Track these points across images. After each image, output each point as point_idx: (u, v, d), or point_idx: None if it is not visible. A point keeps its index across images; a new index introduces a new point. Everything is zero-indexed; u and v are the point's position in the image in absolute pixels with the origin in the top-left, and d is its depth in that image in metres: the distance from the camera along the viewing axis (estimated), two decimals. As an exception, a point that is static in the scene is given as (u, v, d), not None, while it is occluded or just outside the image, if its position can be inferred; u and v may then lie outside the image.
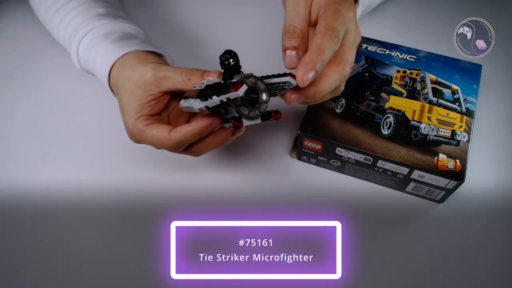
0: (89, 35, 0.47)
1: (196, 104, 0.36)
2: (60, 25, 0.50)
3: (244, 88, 0.35)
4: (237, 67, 0.37)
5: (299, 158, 0.52)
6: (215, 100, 0.35)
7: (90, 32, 0.47)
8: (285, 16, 0.39)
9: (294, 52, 0.37)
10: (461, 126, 0.46)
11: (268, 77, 0.37)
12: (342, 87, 0.41)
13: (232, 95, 0.35)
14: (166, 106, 0.44)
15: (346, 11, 0.38)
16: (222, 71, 0.37)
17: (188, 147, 0.41)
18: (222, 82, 0.37)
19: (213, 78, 0.39)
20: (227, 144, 0.42)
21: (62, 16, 0.50)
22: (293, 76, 0.36)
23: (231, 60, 0.36)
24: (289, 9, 0.39)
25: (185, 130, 0.39)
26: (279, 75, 0.37)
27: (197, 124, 0.38)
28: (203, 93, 0.37)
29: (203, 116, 0.39)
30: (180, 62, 0.47)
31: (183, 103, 0.39)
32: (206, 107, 0.36)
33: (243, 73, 0.37)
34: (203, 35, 0.62)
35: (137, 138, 0.42)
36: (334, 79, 0.38)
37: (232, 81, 0.36)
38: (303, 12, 0.38)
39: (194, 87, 0.40)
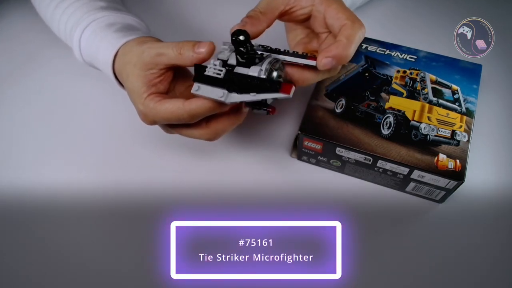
0: (91, 27, 0.47)
1: (229, 98, 0.36)
2: (61, 20, 0.50)
3: (293, 89, 0.35)
4: (250, 45, 0.37)
5: (299, 158, 0.52)
6: (256, 97, 0.35)
7: (91, 23, 0.47)
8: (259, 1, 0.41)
9: (245, 20, 0.39)
10: (461, 126, 0.46)
11: (292, 54, 0.38)
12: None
13: (282, 96, 0.35)
14: (171, 84, 0.43)
15: (344, 4, 0.40)
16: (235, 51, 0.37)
17: (206, 121, 0.41)
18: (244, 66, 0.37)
19: (204, 50, 0.38)
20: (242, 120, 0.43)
21: (62, 11, 0.50)
22: (314, 58, 0.37)
23: (242, 37, 0.36)
24: None
25: (201, 102, 0.38)
26: (301, 56, 0.38)
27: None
28: (231, 85, 0.36)
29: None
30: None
31: (202, 91, 0.37)
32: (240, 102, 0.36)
33: (256, 51, 0.37)
34: (207, 29, 0.62)
35: (150, 118, 0.41)
36: (358, 40, 0.38)
37: (273, 79, 0.37)
38: (273, 2, 0.40)
39: (206, 71, 0.38)
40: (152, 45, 0.41)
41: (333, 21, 0.39)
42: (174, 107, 0.39)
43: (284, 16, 0.41)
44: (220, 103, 0.38)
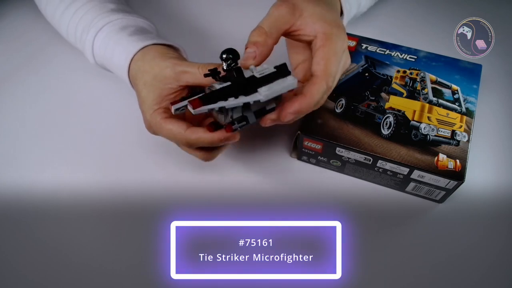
0: (105, 29, 0.47)
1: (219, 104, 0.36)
2: (71, 22, 0.51)
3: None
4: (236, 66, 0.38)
5: (299, 158, 0.52)
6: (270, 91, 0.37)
7: (105, 26, 0.47)
8: (263, 18, 0.40)
9: (253, 49, 0.38)
10: (461, 126, 0.46)
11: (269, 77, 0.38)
12: (323, 101, 0.42)
13: (291, 83, 0.38)
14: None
15: (342, 44, 0.40)
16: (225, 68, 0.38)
17: (201, 149, 0.43)
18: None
19: None
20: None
21: (72, 14, 0.50)
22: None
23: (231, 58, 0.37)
24: (269, 13, 0.39)
25: (200, 135, 0.40)
26: (278, 75, 0.38)
27: (213, 136, 0.39)
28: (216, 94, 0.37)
29: (223, 129, 0.39)
30: (190, 57, 0.47)
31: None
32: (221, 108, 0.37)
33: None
34: (211, 28, 0.62)
35: (153, 130, 0.43)
36: (319, 96, 0.39)
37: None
38: (279, 21, 0.39)
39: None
40: (177, 62, 0.42)
41: (314, 63, 0.39)
42: (176, 131, 0.41)
43: (287, 35, 0.41)
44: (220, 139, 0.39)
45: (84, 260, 0.46)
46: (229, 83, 0.37)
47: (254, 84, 0.37)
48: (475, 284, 0.44)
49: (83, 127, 0.55)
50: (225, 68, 0.37)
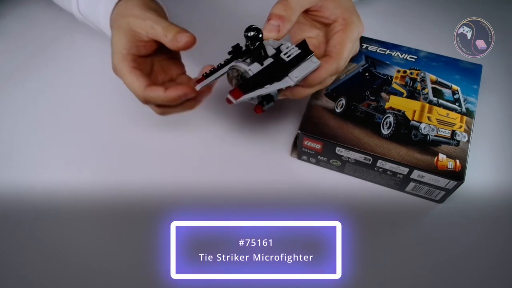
0: None
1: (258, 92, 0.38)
2: None
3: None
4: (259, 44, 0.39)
5: (299, 157, 0.52)
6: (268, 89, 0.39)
7: None
8: None
9: (277, 23, 0.39)
10: (461, 126, 0.46)
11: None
12: (330, 81, 0.45)
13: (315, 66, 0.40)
14: (154, 53, 0.45)
15: (358, 32, 0.42)
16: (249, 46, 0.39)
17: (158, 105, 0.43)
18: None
19: (183, 40, 0.40)
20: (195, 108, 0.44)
21: None
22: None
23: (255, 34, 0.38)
24: None
25: (158, 94, 0.40)
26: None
27: (171, 94, 0.40)
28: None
29: (178, 86, 0.40)
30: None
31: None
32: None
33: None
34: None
35: (117, 74, 0.43)
36: (328, 73, 0.42)
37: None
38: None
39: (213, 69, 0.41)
40: (150, 16, 0.42)
41: (330, 45, 0.42)
42: (136, 86, 0.41)
43: (305, 13, 0.42)
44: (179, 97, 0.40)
45: (84, 260, 0.46)
46: (260, 67, 0.38)
47: (284, 67, 0.39)
48: (475, 284, 0.44)
49: (83, 127, 0.55)
50: (249, 45, 0.38)
